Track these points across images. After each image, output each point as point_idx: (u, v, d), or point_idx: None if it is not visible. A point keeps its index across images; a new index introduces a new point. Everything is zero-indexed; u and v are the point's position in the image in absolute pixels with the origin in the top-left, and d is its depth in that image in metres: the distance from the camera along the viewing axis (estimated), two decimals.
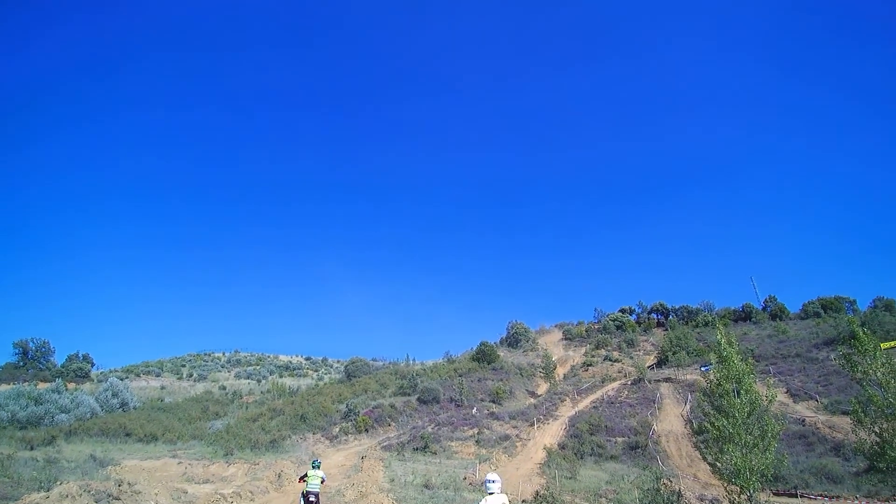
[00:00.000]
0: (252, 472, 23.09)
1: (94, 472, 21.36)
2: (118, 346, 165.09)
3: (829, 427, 28.27)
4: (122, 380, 53.41)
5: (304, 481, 13.58)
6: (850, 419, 15.91)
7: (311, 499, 13.29)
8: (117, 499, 15.58)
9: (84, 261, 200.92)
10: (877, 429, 14.41)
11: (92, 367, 67.84)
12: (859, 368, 15.15)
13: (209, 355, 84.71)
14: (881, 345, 28.10)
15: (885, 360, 14.95)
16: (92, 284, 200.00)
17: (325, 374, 78.32)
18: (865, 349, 15.01)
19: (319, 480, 13.57)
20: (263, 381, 67.07)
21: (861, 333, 15.32)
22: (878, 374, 14.71)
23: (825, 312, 61.02)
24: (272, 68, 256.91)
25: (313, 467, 13.75)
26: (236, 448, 30.77)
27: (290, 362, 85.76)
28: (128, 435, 33.92)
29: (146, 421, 37.53)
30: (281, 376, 71.95)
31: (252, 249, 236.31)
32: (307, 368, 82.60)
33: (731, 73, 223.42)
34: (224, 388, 60.74)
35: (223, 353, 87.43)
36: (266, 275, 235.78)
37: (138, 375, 67.25)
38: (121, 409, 42.92)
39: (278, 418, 39.54)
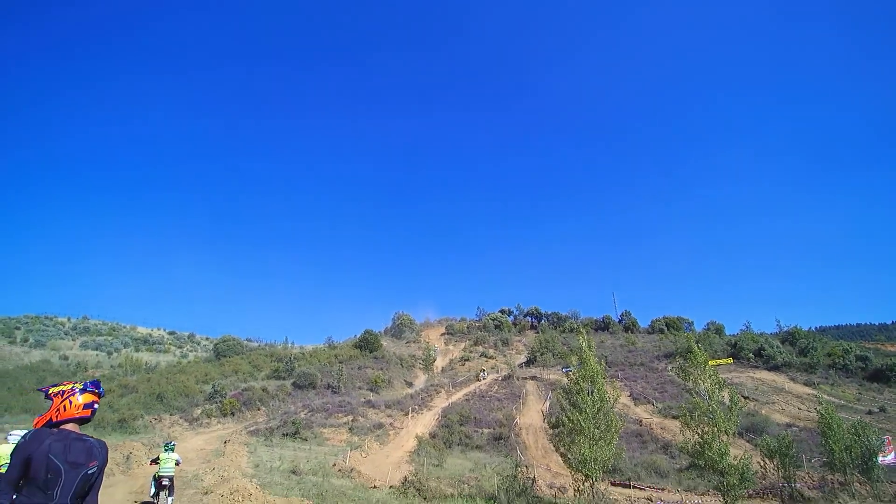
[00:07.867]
0: None
1: None
2: None
3: (661, 428, 32.53)
4: None
5: (157, 464, 12.62)
6: (679, 422, 18.56)
7: (164, 482, 12.39)
8: None
9: None
10: (699, 431, 16.98)
11: None
12: (691, 378, 17.72)
13: (51, 319, 73.46)
14: (710, 361, 33.04)
15: (711, 373, 17.67)
16: None
17: (191, 351, 72.43)
18: (697, 362, 17.62)
19: (174, 463, 12.69)
20: (115, 354, 60.10)
21: (696, 348, 17.96)
22: (706, 384, 17.35)
23: (668, 329, 69.84)
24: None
25: (166, 450, 12.84)
26: None
27: (151, 335, 77.62)
28: None
29: None
30: (137, 350, 65.13)
31: (113, 215, 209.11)
32: (170, 344, 75.52)
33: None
34: (66, 357, 53.58)
35: (68, 319, 76.33)
36: (125, 236, 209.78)
37: None
38: None
39: (130, 396, 35.93)
